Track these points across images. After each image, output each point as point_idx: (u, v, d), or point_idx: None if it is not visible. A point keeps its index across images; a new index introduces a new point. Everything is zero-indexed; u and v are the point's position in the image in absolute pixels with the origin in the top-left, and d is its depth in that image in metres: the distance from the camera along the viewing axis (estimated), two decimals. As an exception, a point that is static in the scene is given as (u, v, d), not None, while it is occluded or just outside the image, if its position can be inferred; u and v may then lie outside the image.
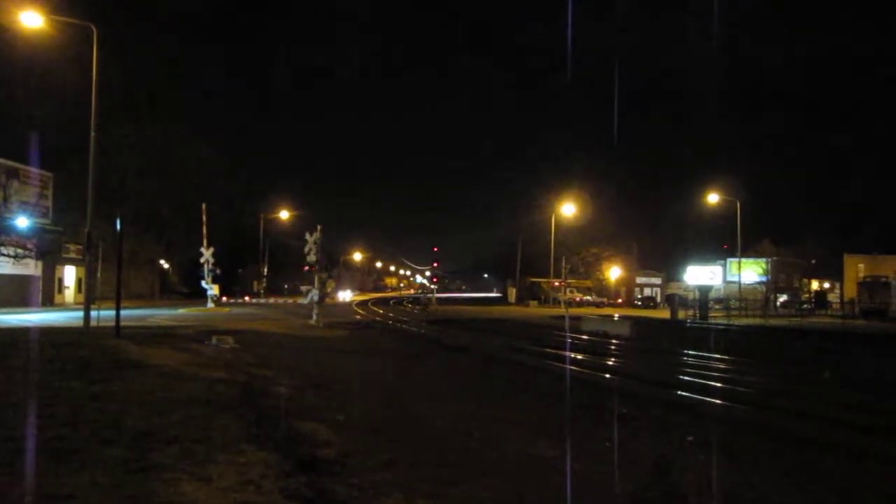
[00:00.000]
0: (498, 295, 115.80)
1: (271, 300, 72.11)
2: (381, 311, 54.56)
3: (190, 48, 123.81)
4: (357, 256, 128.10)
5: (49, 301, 47.88)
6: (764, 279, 69.57)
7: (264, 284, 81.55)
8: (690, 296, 57.69)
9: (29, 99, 47.10)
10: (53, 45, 39.25)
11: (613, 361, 21.10)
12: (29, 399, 9.94)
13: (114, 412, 9.35)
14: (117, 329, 20.88)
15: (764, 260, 71.20)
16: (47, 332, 22.24)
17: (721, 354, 21.95)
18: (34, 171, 46.17)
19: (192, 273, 60.49)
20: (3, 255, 39.78)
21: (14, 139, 44.90)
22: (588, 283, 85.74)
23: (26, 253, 42.10)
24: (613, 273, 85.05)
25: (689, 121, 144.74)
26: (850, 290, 63.73)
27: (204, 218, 47.54)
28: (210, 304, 47.64)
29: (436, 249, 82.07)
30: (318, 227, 34.66)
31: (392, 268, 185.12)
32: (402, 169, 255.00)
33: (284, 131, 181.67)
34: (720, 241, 70.50)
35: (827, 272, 74.53)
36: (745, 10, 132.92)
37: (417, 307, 63.47)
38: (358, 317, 45.73)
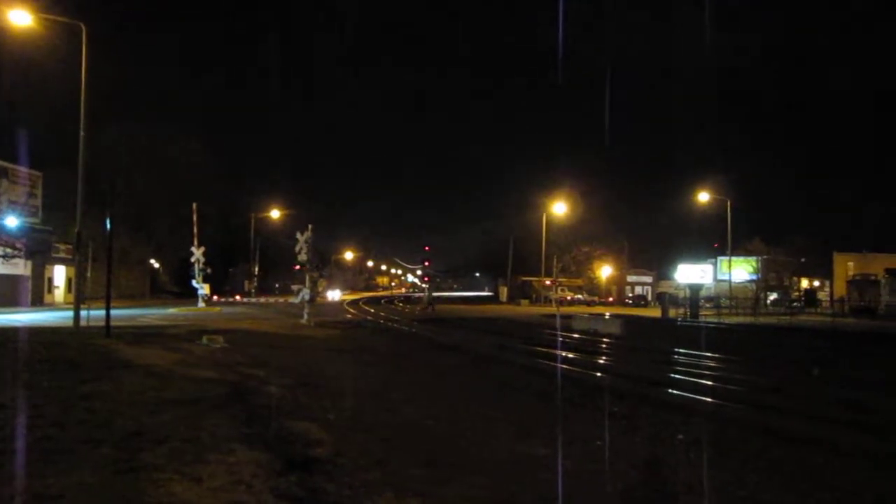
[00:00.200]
0: (489, 294, 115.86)
1: (262, 299, 71.96)
2: (372, 311, 54.50)
3: (181, 47, 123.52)
4: (348, 255, 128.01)
5: (38, 301, 47.66)
6: (754, 277, 69.86)
7: (255, 284, 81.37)
8: (681, 294, 57.90)
9: (18, 98, 46.95)
10: (43, 44, 39.05)
11: (604, 360, 21.13)
12: (18, 399, 9.90)
13: (104, 412, 9.32)
14: (107, 329, 20.81)
15: (754, 258, 71.49)
16: (37, 332, 22.14)
17: (711, 353, 22.00)
18: (23, 170, 45.95)
19: (182, 272, 60.25)
20: (-7, 254, 39.60)
21: (3, 138, 44.79)
22: (579, 281, 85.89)
23: (15, 252, 41.85)
24: (604, 272, 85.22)
25: (680, 120, 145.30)
26: (840, 289, 64.09)
27: (195, 217, 47.37)
28: (201, 304, 47.49)
29: (427, 249, 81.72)
30: (310, 227, 34.61)
31: (383, 267, 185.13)
32: (395, 168, 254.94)
33: (275, 131, 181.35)
34: (711, 239, 70.74)
35: (817, 270, 74.86)
36: (737, 9, 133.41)
37: (419, 306, 63.44)
38: (349, 316, 45.68)
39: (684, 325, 41.53)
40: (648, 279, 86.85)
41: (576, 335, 30.51)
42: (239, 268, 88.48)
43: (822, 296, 69.28)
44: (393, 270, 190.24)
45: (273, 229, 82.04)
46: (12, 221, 41.21)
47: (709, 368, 18.57)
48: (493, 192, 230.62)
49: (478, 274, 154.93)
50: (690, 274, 67.88)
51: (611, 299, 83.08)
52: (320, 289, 44.08)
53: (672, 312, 50.02)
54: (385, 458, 7.80)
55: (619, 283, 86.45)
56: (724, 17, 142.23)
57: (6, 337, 20.01)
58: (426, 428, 10.09)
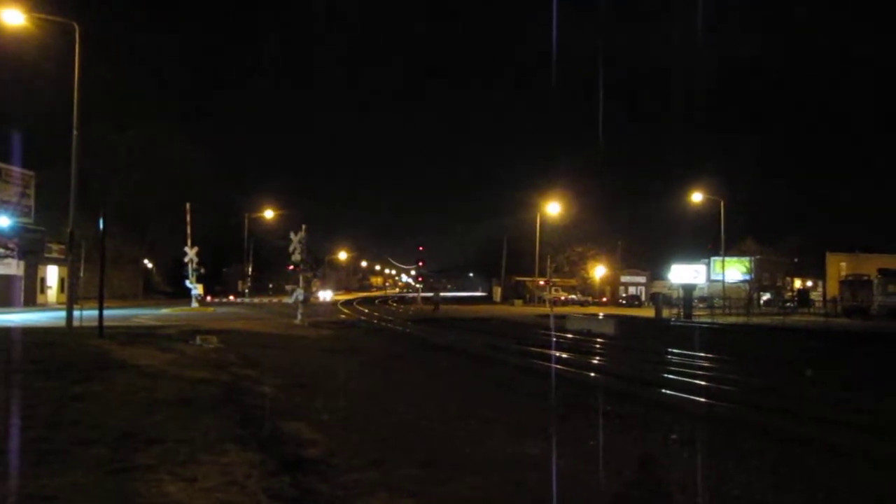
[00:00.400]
0: (483, 294, 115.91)
1: (256, 300, 71.80)
2: (366, 311, 54.47)
3: (175, 46, 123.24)
4: (342, 256, 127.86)
5: (31, 301, 47.49)
6: (747, 278, 70.09)
7: (249, 284, 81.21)
8: (675, 294, 57.97)
9: (11, 97, 46.78)
10: (36, 44, 38.94)
11: (598, 360, 21.16)
12: (10, 399, 9.86)
13: (96, 412, 9.29)
14: (100, 329, 20.75)
15: (747, 259, 71.72)
16: (29, 333, 22.07)
17: (705, 353, 22.04)
18: (16, 170, 45.77)
19: (176, 273, 60.23)
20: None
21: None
22: (573, 281, 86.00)
23: (8, 252, 41.77)
24: (598, 272, 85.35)
25: (674, 121, 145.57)
26: (833, 289, 64.25)
27: (188, 217, 47.25)
28: (194, 304, 47.40)
29: (421, 249, 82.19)
30: (303, 227, 34.59)
31: (377, 267, 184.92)
32: (389, 169, 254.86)
33: (269, 131, 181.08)
34: (704, 240, 70.96)
35: (810, 271, 75.17)
36: (730, 10, 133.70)
37: (413, 306, 63.41)
38: (343, 316, 45.64)
39: (678, 326, 41.59)
40: (642, 279, 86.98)
41: (570, 335, 30.55)
42: (233, 268, 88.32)
43: (815, 296, 69.48)
44: (387, 271, 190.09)
45: (267, 229, 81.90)
46: (5, 221, 41.12)
47: (702, 368, 18.61)
48: (487, 192, 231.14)
49: (472, 274, 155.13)
50: (684, 274, 68.06)
51: (604, 299, 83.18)
52: (314, 289, 44.00)
53: (666, 312, 50.10)
54: (379, 459, 7.79)
55: (612, 283, 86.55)
56: (719, 17, 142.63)
57: (-2, 337, 19.94)
58: (420, 428, 10.08)
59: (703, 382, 15.70)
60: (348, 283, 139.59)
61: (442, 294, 73.90)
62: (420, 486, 6.83)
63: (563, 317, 39.73)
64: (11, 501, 5.76)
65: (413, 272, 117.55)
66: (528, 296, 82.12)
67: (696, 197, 58.14)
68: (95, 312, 21.61)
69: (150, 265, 73.53)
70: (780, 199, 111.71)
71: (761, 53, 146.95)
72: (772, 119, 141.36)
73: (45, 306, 47.00)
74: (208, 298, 61.42)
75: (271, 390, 12.63)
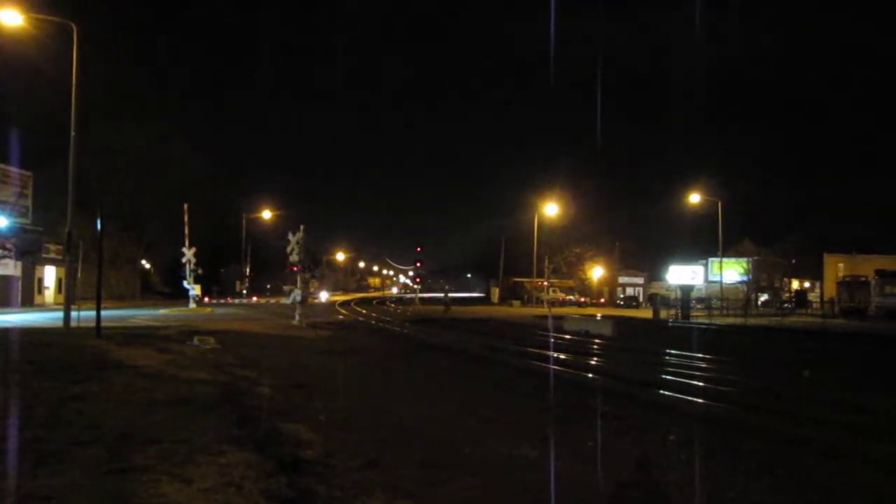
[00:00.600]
0: (481, 295, 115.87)
1: (254, 300, 71.79)
2: (363, 311, 54.46)
3: (172, 47, 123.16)
4: (340, 256, 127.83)
5: (29, 301, 47.46)
6: (745, 279, 70.13)
7: (247, 284, 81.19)
8: (672, 295, 57.98)
9: (9, 97, 46.73)
10: (34, 44, 38.90)
11: (596, 361, 21.16)
12: (8, 400, 9.84)
13: (94, 413, 9.28)
14: (98, 329, 20.71)
15: (745, 259, 71.78)
16: (27, 333, 22.03)
17: (702, 354, 22.06)
18: (14, 170, 45.74)
19: (173, 273, 60.14)
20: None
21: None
22: (571, 282, 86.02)
23: (6, 253, 41.71)
24: (596, 273, 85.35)
25: (672, 122, 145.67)
26: (830, 290, 64.29)
27: (186, 218, 47.20)
28: (192, 305, 47.34)
29: (419, 249, 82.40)
30: (301, 227, 34.57)
31: (375, 267, 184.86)
32: (388, 169, 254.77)
33: (267, 131, 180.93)
34: (702, 240, 70.98)
35: (807, 272, 75.14)
36: (727, 11, 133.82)
37: (411, 306, 63.46)
38: (340, 317, 45.63)
39: (675, 326, 41.62)
40: (640, 280, 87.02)
41: (567, 336, 30.56)
42: (230, 268, 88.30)
43: (813, 297, 69.51)
44: (385, 271, 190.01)
45: (265, 230, 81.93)
46: (2, 222, 41.06)
47: (699, 369, 18.62)
48: (486, 192, 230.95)
49: (469, 275, 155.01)
50: (681, 275, 68.03)
51: (602, 300, 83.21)
52: (312, 290, 44.08)
53: (663, 313, 50.13)
54: (377, 460, 7.79)
55: (610, 284, 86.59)
56: (717, 18, 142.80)
57: (-4, 338, 19.91)
58: (418, 429, 10.08)
59: (700, 383, 15.71)
60: (346, 284, 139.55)
61: (440, 295, 73.98)
62: (418, 488, 6.84)
63: (560, 318, 39.72)
64: (9, 502, 5.75)
65: (411, 273, 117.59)
66: (525, 297, 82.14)
67: (694, 198, 58.14)
68: (93, 313, 21.58)
69: (147, 266, 73.52)
70: (779, 200, 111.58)
71: (761, 53, 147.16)
72: (771, 119, 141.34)
73: (42, 307, 46.96)
74: (206, 299, 61.36)
75: (269, 391, 12.63)
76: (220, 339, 22.05)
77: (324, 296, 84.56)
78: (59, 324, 24.36)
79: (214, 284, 78.65)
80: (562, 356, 21.41)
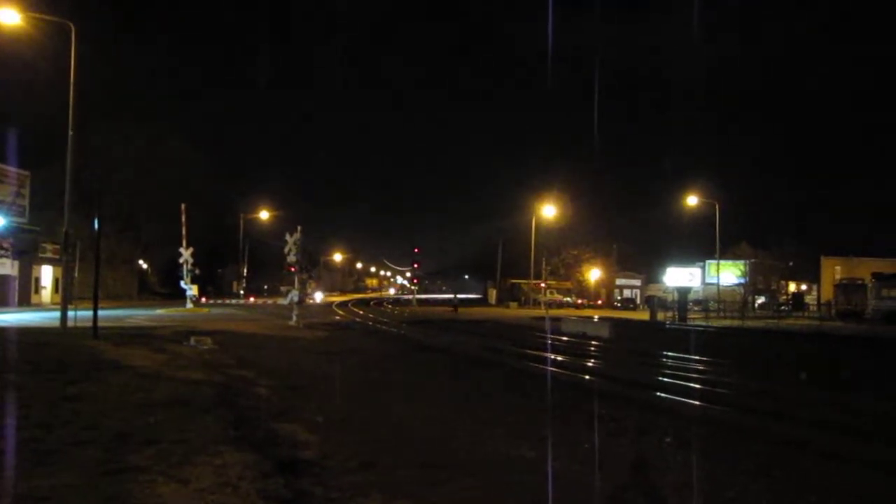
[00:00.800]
0: (478, 296, 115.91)
1: (251, 301, 71.73)
2: (360, 312, 54.43)
3: (172, 47, 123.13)
4: (337, 257, 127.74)
5: (25, 301, 47.38)
6: (742, 281, 70.22)
7: (244, 285, 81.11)
8: (670, 297, 58.10)
9: (7, 97, 46.70)
10: (32, 44, 38.87)
11: (593, 363, 21.16)
12: (4, 400, 9.83)
13: (91, 413, 9.27)
14: (95, 329, 20.70)
15: (742, 262, 71.89)
16: (24, 333, 22.01)
17: (699, 356, 22.07)
18: (11, 169, 45.69)
19: (170, 273, 60.02)
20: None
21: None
22: (568, 284, 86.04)
23: (3, 252, 41.68)
24: (593, 275, 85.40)
25: (670, 124, 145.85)
26: (827, 292, 64.39)
27: (184, 218, 47.17)
28: (189, 305, 47.31)
29: (417, 250, 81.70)
30: (299, 228, 34.57)
31: (373, 269, 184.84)
32: (384, 170, 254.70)
33: (265, 132, 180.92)
34: (700, 243, 71.10)
35: (804, 274, 75.28)
36: (725, 14, 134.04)
37: (408, 308, 63.49)
38: (337, 318, 45.59)
39: (672, 329, 41.63)
40: (637, 282, 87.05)
41: (565, 338, 30.56)
42: (228, 269, 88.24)
43: (810, 299, 69.63)
44: (382, 272, 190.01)
45: (262, 230, 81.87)
46: (-1, 221, 41.00)
47: (696, 371, 18.63)
48: (485, 193, 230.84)
49: (467, 276, 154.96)
50: (679, 277, 68.10)
51: (599, 302, 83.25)
52: (309, 290, 44.10)
53: (660, 315, 50.16)
54: (374, 461, 7.79)
55: (607, 286, 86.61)
56: (714, 20, 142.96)
57: (-8, 337, 19.87)
58: (416, 430, 10.07)
59: (697, 385, 15.71)
60: (343, 285, 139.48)
61: (437, 297, 74.04)
62: (416, 489, 6.83)
63: (558, 319, 39.73)
64: (6, 502, 5.74)
65: (408, 274, 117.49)
66: (523, 298, 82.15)
67: (692, 200, 58.22)
68: (90, 313, 21.57)
69: (145, 266, 73.41)
70: (777, 201, 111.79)
71: (761, 53, 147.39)
72: (771, 119, 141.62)
73: (39, 306, 46.88)
74: (203, 299, 61.33)
75: (266, 391, 12.61)
76: (217, 340, 22.04)
77: (318, 296, 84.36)
78: (56, 323, 24.33)
79: (212, 285, 78.63)
80: (559, 358, 21.41)
